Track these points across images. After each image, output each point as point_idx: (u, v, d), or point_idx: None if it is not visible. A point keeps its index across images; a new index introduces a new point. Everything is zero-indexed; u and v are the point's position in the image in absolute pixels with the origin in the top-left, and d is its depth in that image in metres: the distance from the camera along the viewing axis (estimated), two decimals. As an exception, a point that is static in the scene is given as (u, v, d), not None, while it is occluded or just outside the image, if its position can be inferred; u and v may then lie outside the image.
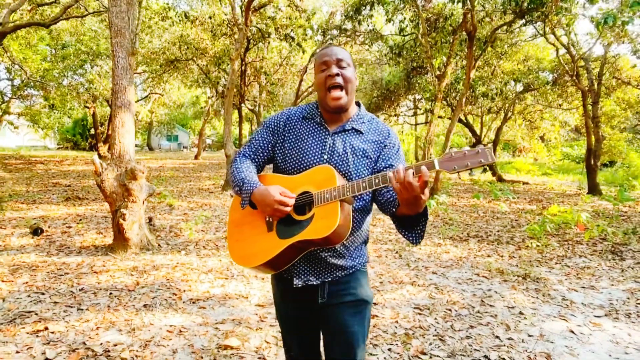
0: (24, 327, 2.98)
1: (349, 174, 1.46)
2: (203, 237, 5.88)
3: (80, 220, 6.72)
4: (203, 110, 27.95)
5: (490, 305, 3.62)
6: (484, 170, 18.49)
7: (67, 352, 2.68)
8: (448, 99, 15.78)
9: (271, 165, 1.69)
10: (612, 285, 4.20)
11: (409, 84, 17.87)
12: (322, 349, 1.64)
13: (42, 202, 8.18)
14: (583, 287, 4.12)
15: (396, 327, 3.16)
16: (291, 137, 1.56)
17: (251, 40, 14.05)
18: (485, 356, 2.76)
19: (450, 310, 3.51)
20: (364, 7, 12.25)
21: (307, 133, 1.55)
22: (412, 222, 1.42)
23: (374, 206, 1.58)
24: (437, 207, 8.69)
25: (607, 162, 21.78)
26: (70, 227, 6.22)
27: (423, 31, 10.83)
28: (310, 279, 1.50)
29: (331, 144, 1.51)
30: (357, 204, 1.49)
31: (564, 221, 6.61)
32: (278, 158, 1.59)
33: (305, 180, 1.47)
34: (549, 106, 17.61)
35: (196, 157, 24.04)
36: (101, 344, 2.80)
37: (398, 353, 2.77)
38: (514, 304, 3.67)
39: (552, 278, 4.36)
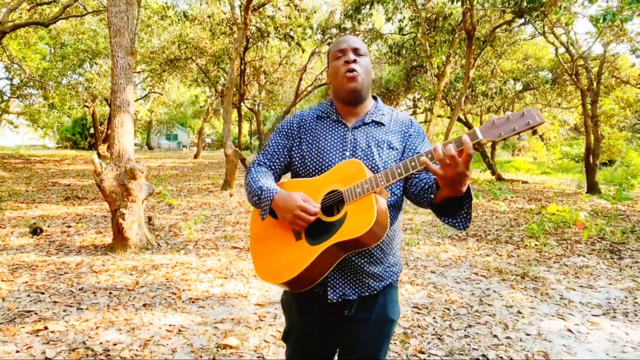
0: (23, 327, 2.99)
1: (377, 168, 1.36)
2: (202, 236, 5.89)
3: (80, 219, 6.73)
4: (202, 110, 27.95)
5: (489, 305, 3.63)
6: (483, 170, 18.51)
7: (67, 351, 2.69)
8: (447, 98, 15.79)
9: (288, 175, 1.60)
10: (610, 284, 4.22)
11: (408, 83, 17.89)
12: None
13: (42, 202, 8.19)
14: (581, 286, 4.13)
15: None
16: (308, 138, 1.47)
17: (250, 40, 14.06)
18: (484, 355, 2.77)
19: (448, 309, 3.52)
20: (363, 6, 12.25)
21: (324, 132, 1.46)
22: (455, 206, 1.28)
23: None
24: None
25: (607, 161, 21.81)
26: (69, 226, 6.22)
27: (422, 30, 10.84)
28: (347, 292, 1.37)
29: (352, 140, 1.41)
30: (389, 199, 1.37)
31: (563, 220, 6.63)
32: (297, 162, 1.48)
33: (331, 179, 1.35)
34: (548, 105, 17.63)
35: (196, 157, 24.04)
36: (101, 343, 2.81)
37: (396, 352, 2.79)
38: (512, 303, 3.68)
39: (550, 277, 4.38)
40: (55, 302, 3.47)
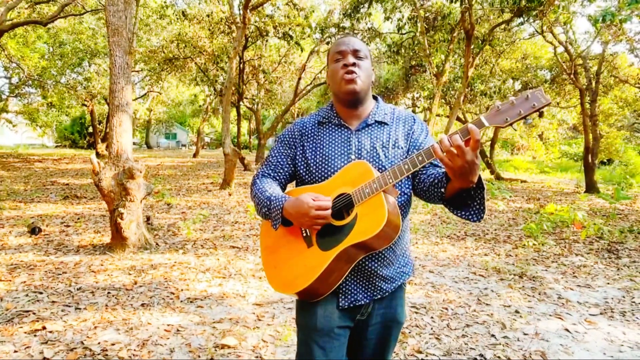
0: (21, 327, 2.99)
1: (383, 169, 1.34)
2: (201, 235, 5.89)
3: (79, 219, 6.73)
4: (201, 109, 27.93)
5: (487, 304, 3.64)
6: (482, 169, 18.52)
7: (65, 351, 2.69)
8: (446, 97, 15.79)
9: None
10: (608, 283, 4.23)
11: (407, 82, 17.90)
12: None
13: (40, 201, 8.18)
14: (579, 286, 4.14)
15: (393, 326, 3.18)
16: (311, 145, 1.44)
17: (249, 39, 14.05)
18: (481, 355, 2.78)
19: (446, 309, 3.53)
20: (362, 5, 12.25)
21: (327, 137, 1.43)
22: (466, 199, 1.26)
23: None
24: (435, 205, 8.72)
25: (605, 160, 21.85)
26: (68, 226, 6.22)
27: (421, 29, 10.83)
28: (358, 297, 1.37)
29: (356, 143, 1.39)
30: (399, 199, 1.35)
31: (561, 220, 6.64)
32: (302, 171, 1.45)
33: (338, 182, 1.33)
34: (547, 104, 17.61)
35: (195, 155, 24.03)
36: (99, 343, 2.81)
37: (394, 352, 2.79)
38: (510, 302, 3.69)
39: (548, 277, 4.39)
40: (53, 301, 3.47)
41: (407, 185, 1.40)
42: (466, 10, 9.24)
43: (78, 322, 3.10)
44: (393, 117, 1.45)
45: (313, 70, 18.83)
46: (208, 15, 13.88)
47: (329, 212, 1.26)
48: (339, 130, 1.43)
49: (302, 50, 14.13)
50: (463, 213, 1.27)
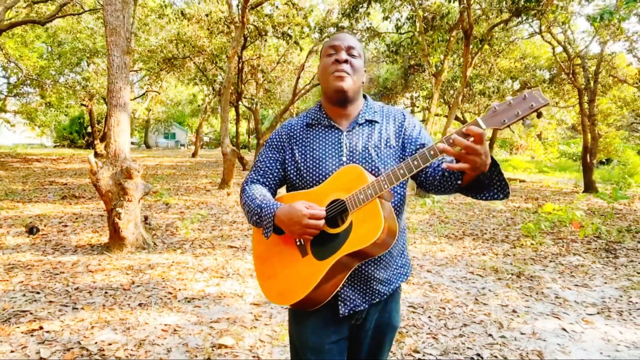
0: (18, 327, 2.99)
1: (377, 170, 1.30)
2: (199, 235, 5.89)
3: (77, 219, 6.72)
4: (200, 108, 27.91)
5: (484, 304, 3.65)
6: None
7: (62, 351, 2.69)
8: (445, 97, 15.80)
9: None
10: (606, 283, 4.23)
11: (406, 81, 17.91)
12: None
13: (38, 201, 8.17)
14: (576, 285, 4.15)
15: (390, 325, 3.18)
16: (300, 148, 1.39)
17: (248, 38, 14.03)
18: (478, 354, 2.78)
19: (444, 308, 3.53)
20: (361, 5, 12.24)
21: (317, 139, 1.38)
22: (483, 179, 1.21)
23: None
24: (433, 205, 8.72)
25: (604, 160, 21.87)
26: (66, 225, 6.21)
27: (420, 29, 10.83)
28: (357, 303, 1.33)
29: (348, 144, 1.34)
30: (392, 200, 1.31)
31: (559, 219, 6.65)
32: (292, 175, 1.40)
33: (331, 188, 1.28)
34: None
35: (193, 155, 24.01)
36: (96, 343, 2.80)
37: (391, 351, 2.79)
38: (507, 302, 3.69)
39: (546, 276, 4.39)
40: (50, 301, 3.46)
41: (400, 185, 1.36)
42: (465, 10, 9.24)
43: (75, 322, 3.09)
44: (382, 114, 1.41)
45: (312, 70, 18.82)
46: (207, 15, 13.86)
47: (322, 222, 1.23)
48: (329, 131, 1.38)
49: (300, 50, 14.14)
50: (486, 195, 1.23)
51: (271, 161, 1.44)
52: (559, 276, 4.41)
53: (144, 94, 25.16)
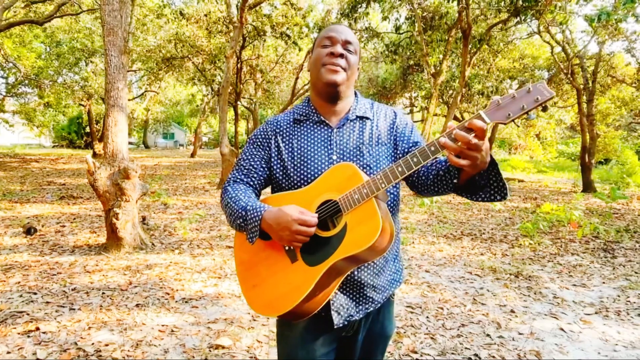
0: (15, 328, 2.97)
1: (368, 168, 1.24)
2: (197, 235, 5.88)
3: (74, 219, 6.70)
4: (199, 108, 27.89)
5: (482, 304, 3.64)
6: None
7: (59, 352, 2.68)
8: (444, 96, 15.81)
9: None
10: (604, 283, 4.23)
11: (405, 81, 17.91)
12: None
13: (36, 201, 8.15)
14: (574, 285, 4.15)
15: (388, 325, 3.18)
16: (287, 145, 1.31)
17: (247, 38, 14.02)
18: (476, 355, 2.78)
19: (442, 308, 3.52)
20: (360, 5, 12.24)
21: (305, 136, 1.30)
22: (480, 179, 1.15)
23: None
24: (431, 205, 8.72)
25: (603, 160, 21.90)
26: (64, 226, 6.20)
27: (419, 29, 10.83)
28: (352, 313, 1.24)
29: (338, 141, 1.27)
30: (387, 201, 1.23)
31: (558, 219, 6.65)
32: (278, 175, 1.31)
33: (322, 188, 1.20)
34: (544, 104, 17.67)
35: (192, 155, 23.99)
36: (92, 344, 2.79)
37: (389, 352, 2.79)
38: (505, 302, 3.69)
39: (544, 276, 4.39)
40: (47, 302, 3.45)
41: (394, 185, 1.27)
42: (463, 10, 9.24)
43: (72, 323, 3.08)
44: (373, 111, 1.35)
45: (311, 70, 18.78)
46: (206, 15, 13.85)
47: (313, 229, 1.13)
48: (318, 127, 1.31)
49: (299, 50, 14.13)
50: (484, 196, 1.15)
51: (255, 159, 1.34)
52: (557, 276, 4.41)
53: (142, 94, 25.13)
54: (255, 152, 1.35)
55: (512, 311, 3.48)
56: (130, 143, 36.41)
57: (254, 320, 3.23)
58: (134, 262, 4.54)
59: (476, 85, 14.86)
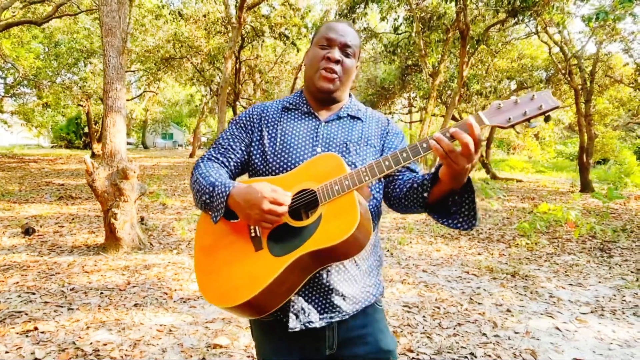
0: (13, 327, 2.99)
1: (353, 166, 1.16)
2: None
3: (73, 219, 6.71)
4: (198, 109, 27.90)
5: (479, 303, 3.66)
6: (477, 169, 18.59)
7: (57, 352, 2.69)
8: (442, 97, 15.84)
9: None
10: (600, 282, 4.26)
11: (403, 81, 17.94)
12: None
13: (35, 202, 8.16)
14: (571, 285, 4.17)
15: (385, 325, 3.20)
16: (271, 130, 1.24)
17: (245, 39, 14.05)
18: (472, 353, 2.80)
19: (438, 308, 3.54)
20: (358, 6, 12.27)
21: (291, 124, 1.24)
22: (453, 203, 1.09)
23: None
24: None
25: (601, 160, 21.97)
26: (62, 226, 6.21)
27: (417, 29, 10.86)
28: (312, 318, 1.12)
29: (325, 134, 1.21)
30: (368, 203, 1.15)
31: (555, 219, 6.68)
32: (257, 160, 1.24)
33: (302, 176, 1.12)
34: (542, 104, 17.72)
35: (191, 155, 23.99)
36: (91, 343, 2.81)
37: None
38: (502, 301, 3.71)
39: (540, 275, 4.41)
40: (46, 302, 3.46)
41: (378, 190, 1.22)
42: (461, 11, 9.27)
43: (70, 323, 3.10)
44: (367, 114, 1.31)
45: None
46: (204, 16, 13.87)
47: (286, 209, 1.04)
48: (307, 118, 1.25)
49: (298, 51, 14.14)
50: (452, 222, 1.09)
51: (236, 140, 1.27)
52: (553, 275, 4.43)
53: (141, 94, 25.13)
54: (236, 133, 1.28)
55: (509, 310, 3.50)
56: (129, 143, 36.46)
57: (252, 319, 3.25)
58: (133, 262, 4.55)
59: (475, 85, 14.89)
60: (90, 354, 2.67)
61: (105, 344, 2.80)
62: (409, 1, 10.67)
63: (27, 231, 5.61)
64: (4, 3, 10.70)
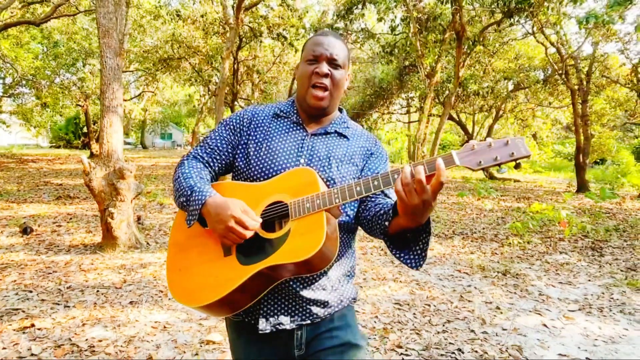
0: (10, 324, 3.04)
1: (333, 181, 1.19)
2: (192, 235, 5.94)
3: (71, 219, 6.76)
4: (197, 109, 27.96)
5: (469, 301, 3.73)
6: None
7: (53, 347, 2.75)
8: (439, 97, 15.91)
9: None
10: (589, 280, 4.33)
11: (401, 82, 18.01)
12: None
13: (33, 201, 8.21)
14: (560, 283, 4.23)
15: (375, 321, 3.26)
16: (259, 136, 1.27)
17: (243, 39, 14.10)
18: (459, 349, 2.86)
19: (429, 305, 3.61)
20: (355, 6, 12.34)
21: (279, 132, 1.27)
22: (409, 240, 1.12)
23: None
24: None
25: (599, 160, 22.07)
26: (60, 225, 6.26)
27: (414, 30, 10.92)
28: (281, 320, 1.16)
29: (310, 147, 1.24)
30: (341, 219, 1.19)
31: (549, 219, 6.75)
32: (240, 163, 1.27)
33: (278, 187, 1.15)
34: (539, 105, 17.81)
35: (190, 156, 23.98)
36: (86, 339, 2.87)
37: (375, 347, 2.87)
38: (491, 299, 3.77)
39: (531, 274, 4.48)
40: (43, 300, 3.52)
41: (352, 207, 1.24)
42: (457, 12, 9.34)
43: (66, 320, 3.15)
44: (355, 133, 1.33)
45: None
46: (202, 16, 13.92)
47: (250, 233, 1.08)
48: (294, 128, 1.28)
49: (296, 51, 14.18)
50: (402, 256, 1.13)
51: (223, 142, 1.30)
52: (544, 274, 4.50)
53: (140, 94, 25.17)
54: (224, 135, 1.30)
55: (498, 308, 3.57)
56: (128, 143, 36.52)
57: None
58: (129, 261, 4.61)
59: (472, 85, 14.96)
60: (86, 350, 2.73)
61: (100, 340, 2.86)
62: (406, 2, 10.74)
63: (25, 230, 5.66)
64: (3, 4, 10.75)
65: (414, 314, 3.42)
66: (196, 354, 2.73)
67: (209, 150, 1.29)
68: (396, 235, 1.14)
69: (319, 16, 16.20)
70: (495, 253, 5.30)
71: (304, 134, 1.27)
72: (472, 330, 3.14)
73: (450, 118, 17.04)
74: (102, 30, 5.06)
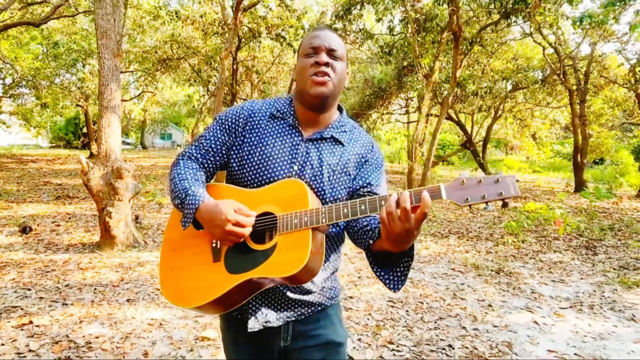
0: (9, 322, 3.09)
1: (323, 192, 1.20)
2: (190, 234, 5.99)
3: (70, 218, 6.82)
4: (196, 109, 28.01)
5: (462, 298, 3.77)
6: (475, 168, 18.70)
7: (51, 344, 2.80)
8: (437, 97, 15.96)
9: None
10: (582, 278, 4.37)
11: (400, 82, 18.05)
12: None
13: (32, 201, 8.26)
14: (553, 281, 4.28)
15: (368, 318, 3.31)
16: (253, 138, 1.25)
17: (242, 40, 14.16)
18: (450, 345, 2.91)
19: (422, 303, 3.66)
20: (354, 7, 12.38)
21: (274, 135, 1.24)
22: (392, 261, 1.13)
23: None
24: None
25: (598, 160, 22.11)
26: (59, 225, 6.31)
27: (412, 31, 10.97)
28: (269, 318, 1.21)
29: (304, 153, 1.22)
30: (330, 230, 1.21)
31: (544, 218, 6.80)
32: (234, 165, 1.26)
33: (268, 197, 1.16)
34: (538, 105, 17.85)
35: (189, 156, 24.04)
36: (83, 336, 2.92)
37: (367, 343, 2.92)
38: (484, 297, 3.82)
39: (524, 272, 4.53)
40: (41, 297, 3.57)
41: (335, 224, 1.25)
42: (454, 13, 9.38)
43: (64, 317, 3.20)
44: (352, 138, 1.29)
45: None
46: (201, 17, 13.97)
47: (248, 230, 1.10)
48: (290, 131, 1.25)
49: (294, 52, 14.24)
50: (382, 275, 1.14)
51: (217, 143, 1.29)
52: (537, 272, 4.55)
53: (139, 94, 25.22)
54: (219, 135, 1.29)
55: (490, 305, 3.62)
56: (127, 144, 36.56)
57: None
58: (127, 260, 4.66)
59: (470, 85, 14.99)
60: (83, 346, 2.78)
61: (97, 337, 2.91)
62: (404, 3, 10.79)
63: (24, 230, 5.71)
64: (2, 4, 10.80)
65: (407, 311, 3.47)
66: (191, 350, 2.78)
67: (203, 151, 1.29)
68: (378, 254, 1.15)
69: (317, 17, 16.25)
70: (490, 252, 5.35)
71: (299, 138, 1.25)
72: (464, 327, 3.19)
73: (449, 118, 17.07)
74: (100, 32, 5.11)
